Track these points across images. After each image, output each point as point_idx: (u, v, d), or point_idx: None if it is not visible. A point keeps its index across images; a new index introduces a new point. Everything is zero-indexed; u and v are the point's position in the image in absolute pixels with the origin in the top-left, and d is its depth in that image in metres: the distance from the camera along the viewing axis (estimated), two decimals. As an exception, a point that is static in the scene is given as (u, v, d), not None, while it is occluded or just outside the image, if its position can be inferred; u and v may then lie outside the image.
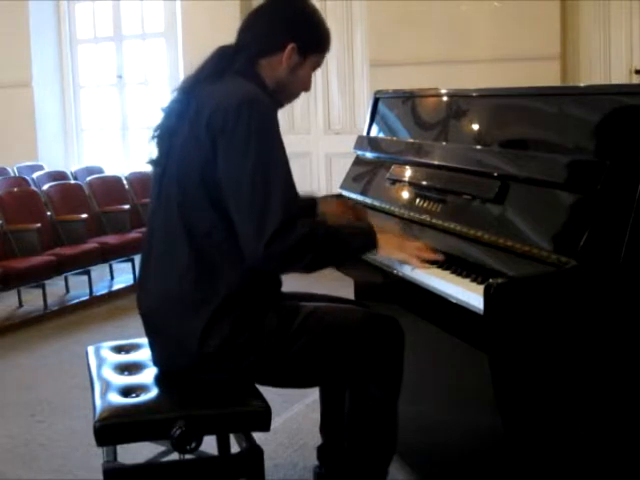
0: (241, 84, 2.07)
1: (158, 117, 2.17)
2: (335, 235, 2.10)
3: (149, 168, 2.23)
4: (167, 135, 2.12)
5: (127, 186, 6.86)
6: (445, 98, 2.64)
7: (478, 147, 2.30)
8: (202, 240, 2.04)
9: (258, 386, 2.11)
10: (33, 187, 6.40)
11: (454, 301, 1.88)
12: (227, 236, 2.03)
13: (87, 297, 5.83)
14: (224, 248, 2.04)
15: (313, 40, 2.20)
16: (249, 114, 1.98)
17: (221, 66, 2.12)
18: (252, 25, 2.19)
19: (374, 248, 2.15)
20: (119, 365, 2.27)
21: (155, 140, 2.16)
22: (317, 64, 2.23)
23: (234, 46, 2.18)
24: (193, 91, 2.10)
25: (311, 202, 2.60)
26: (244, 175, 1.96)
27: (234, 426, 2.07)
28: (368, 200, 2.74)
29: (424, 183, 2.44)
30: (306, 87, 2.24)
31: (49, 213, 6.04)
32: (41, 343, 4.83)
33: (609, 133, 1.88)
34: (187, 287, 2.04)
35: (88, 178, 6.74)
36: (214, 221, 2.03)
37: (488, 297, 1.70)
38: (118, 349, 2.40)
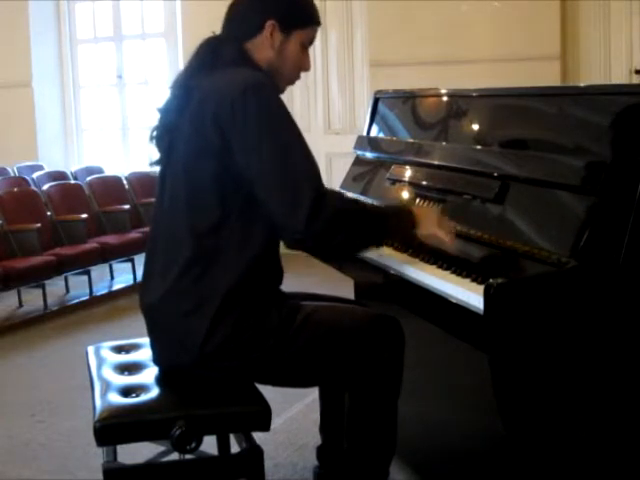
0: (241, 71, 2.05)
1: (155, 118, 2.16)
2: (371, 209, 2.10)
3: (149, 168, 2.22)
4: (166, 132, 2.11)
5: (127, 186, 6.86)
6: (445, 98, 2.64)
7: (478, 147, 2.30)
8: (205, 238, 2.04)
9: (258, 386, 2.11)
10: (33, 187, 6.40)
11: (454, 301, 1.88)
12: (233, 230, 2.02)
13: (87, 297, 5.83)
14: (228, 243, 2.03)
15: (293, 13, 2.13)
16: (255, 99, 1.97)
17: (209, 58, 2.10)
18: (232, 13, 2.16)
19: (413, 226, 2.11)
20: (119, 365, 2.26)
21: (154, 140, 2.15)
22: (307, 39, 2.16)
23: (217, 37, 2.15)
24: (187, 86, 2.08)
25: None
26: (265, 159, 1.95)
27: (234, 426, 2.07)
28: (368, 200, 2.73)
29: (424, 183, 2.44)
30: (302, 66, 2.18)
31: (49, 213, 6.04)
32: (41, 343, 4.84)
33: (609, 133, 1.88)
34: (189, 284, 2.04)
35: (88, 178, 6.74)
36: (221, 217, 2.02)
37: (488, 297, 1.70)
38: (118, 349, 2.40)
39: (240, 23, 2.13)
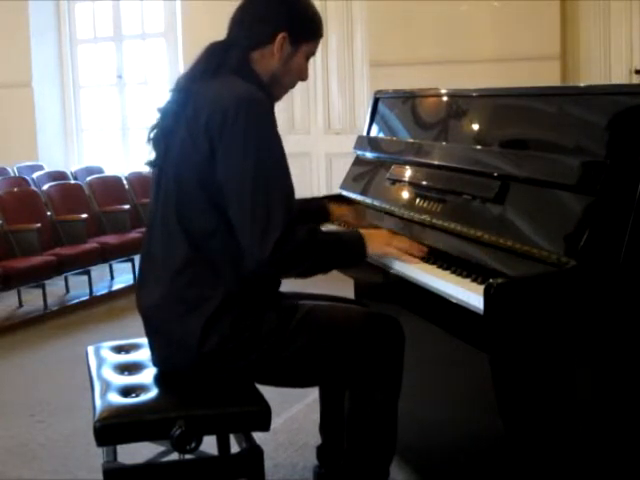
0: (237, 84, 2.05)
1: (154, 117, 2.16)
2: (330, 241, 2.11)
3: (148, 169, 2.23)
4: (163, 136, 2.12)
5: (127, 186, 6.86)
6: (445, 98, 2.64)
7: (478, 147, 2.30)
8: (201, 240, 2.04)
9: (258, 386, 2.11)
10: (33, 187, 6.40)
11: (454, 301, 1.88)
12: (228, 235, 2.03)
13: (87, 297, 5.83)
14: (225, 248, 2.04)
15: (304, 28, 2.16)
16: (246, 114, 1.97)
17: (214, 63, 2.10)
18: (241, 18, 2.16)
19: (364, 249, 2.14)
20: (119, 365, 2.26)
21: (152, 141, 2.15)
22: (311, 52, 2.19)
23: (225, 41, 2.16)
24: (188, 90, 2.08)
25: (318, 203, 2.61)
26: (244, 176, 1.96)
27: (234, 426, 2.07)
28: (368, 200, 2.73)
29: (424, 183, 2.44)
30: (302, 76, 2.21)
31: (49, 213, 6.04)
32: (41, 343, 4.84)
33: (609, 133, 1.88)
34: (186, 286, 2.04)
35: (88, 178, 6.74)
36: (216, 222, 2.02)
37: (488, 297, 1.70)
38: (118, 349, 2.40)
39: (249, 31, 2.13)
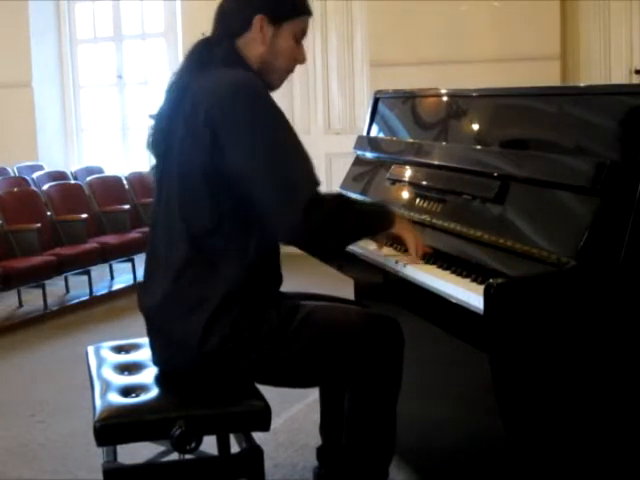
0: (230, 72, 2.04)
1: (150, 123, 2.15)
2: (360, 210, 2.15)
3: (148, 168, 2.22)
4: (161, 137, 2.12)
5: (127, 186, 6.86)
6: (445, 98, 2.64)
7: (478, 147, 2.30)
8: (202, 239, 2.04)
9: (258, 386, 2.11)
10: (33, 187, 6.40)
11: (454, 301, 1.88)
12: (231, 234, 2.03)
13: (87, 297, 5.83)
14: (226, 246, 2.04)
15: (281, 5, 2.11)
16: (245, 98, 1.97)
17: (203, 59, 2.09)
18: (220, 11, 2.15)
19: (392, 225, 2.17)
20: (119, 365, 2.26)
21: (151, 146, 2.15)
22: (299, 31, 2.14)
23: (210, 36, 2.15)
24: (181, 88, 2.08)
25: None
26: (259, 158, 1.95)
27: (234, 426, 2.07)
28: (368, 200, 2.73)
29: (424, 183, 2.44)
30: (297, 59, 2.16)
31: (49, 213, 6.04)
32: (41, 343, 4.84)
33: (609, 133, 1.88)
34: (187, 286, 2.04)
35: (88, 178, 6.74)
36: (218, 220, 2.02)
37: (488, 297, 1.70)
38: (118, 349, 2.40)
39: (229, 21, 2.12)
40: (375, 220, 2.18)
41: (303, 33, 2.16)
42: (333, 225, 2.00)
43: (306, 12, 2.15)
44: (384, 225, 2.18)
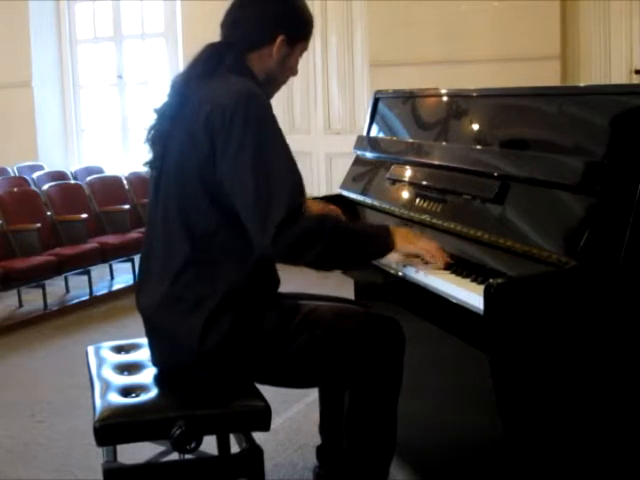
0: (235, 81, 2.06)
1: (151, 118, 2.16)
2: (347, 232, 2.05)
3: (147, 169, 2.22)
4: (161, 138, 2.12)
5: (127, 186, 6.86)
6: (445, 98, 2.64)
7: (478, 147, 2.31)
8: (202, 239, 2.04)
9: (258, 386, 2.11)
10: (33, 187, 6.40)
11: (454, 301, 1.88)
12: (230, 235, 2.03)
13: (87, 297, 5.83)
14: (226, 247, 2.04)
15: (301, 29, 2.20)
16: (245, 110, 1.98)
17: (212, 64, 2.11)
18: (239, 20, 2.16)
19: (390, 250, 2.08)
20: (119, 365, 2.27)
21: (149, 142, 2.15)
22: (304, 50, 2.23)
23: (222, 42, 2.17)
24: (186, 92, 2.09)
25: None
26: (246, 170, 1.96)
27: (234, 426, 2.07)
28: (368, 200, 2.74)
29: (424, 183, 2.44)
30: (294, 73, 2.24)
31: (49, 213, 6.04)
32: (41, 343, 4.83)
33: (609, 133, 1.88)
34: (187, 286, 2.04)
35: (88, 178, 6.73)
36: (218, 222, 2.03)
37: (488, 297, 1.70)
38: (118, 349, 2.40)
39: (248, 32, 2.14)
40: (366, 243, 2.09)
41: (305, 50, 2.24)
42: (303, 249, 1.96)
43: (312, 33, 2.24)
44: (378, 250, 2.09)
